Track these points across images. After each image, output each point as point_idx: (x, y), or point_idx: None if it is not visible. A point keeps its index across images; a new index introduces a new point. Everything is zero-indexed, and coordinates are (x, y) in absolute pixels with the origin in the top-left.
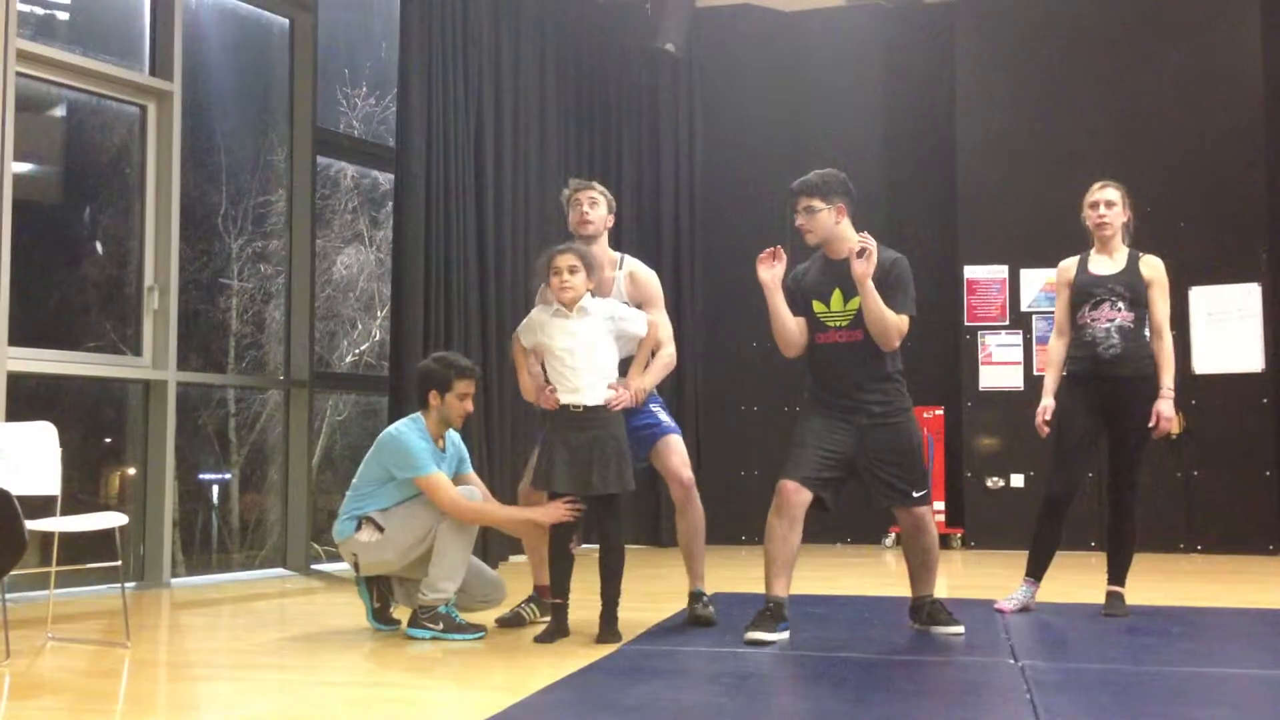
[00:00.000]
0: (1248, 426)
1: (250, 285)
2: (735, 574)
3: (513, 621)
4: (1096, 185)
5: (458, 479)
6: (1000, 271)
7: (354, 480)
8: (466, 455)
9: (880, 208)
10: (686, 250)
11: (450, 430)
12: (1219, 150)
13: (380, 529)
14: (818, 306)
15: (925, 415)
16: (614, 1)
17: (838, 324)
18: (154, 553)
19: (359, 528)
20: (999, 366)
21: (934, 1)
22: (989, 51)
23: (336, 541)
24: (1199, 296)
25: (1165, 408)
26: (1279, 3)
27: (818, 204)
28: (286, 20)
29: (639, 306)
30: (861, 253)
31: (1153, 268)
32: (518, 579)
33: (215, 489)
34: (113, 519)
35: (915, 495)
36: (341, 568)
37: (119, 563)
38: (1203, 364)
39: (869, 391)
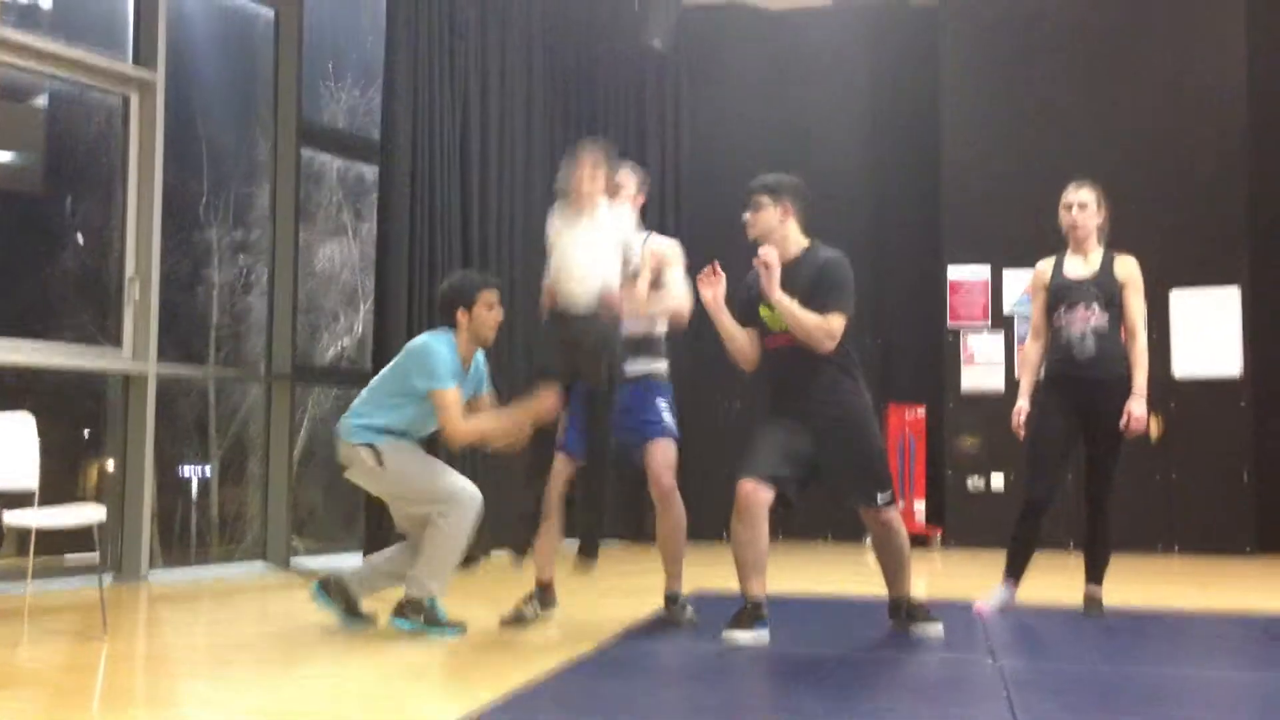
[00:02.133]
0: (1226, 429)
1: (231, 277)
2: (721, 571)
3: (515, 621)
4: (1072, 186)
5: (474, 404)
6: (983, 272)
7: (372, 382)
8: (486, 376)
9: (864, 208)
10: None
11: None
12: (1201, 153)
13: (380, 462)
14: (764, 311)
15: (907, 415)
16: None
17: (782, 326)
18: (132, 546)
19: (365, 446)
20: (981, 367)
21: (920, 3)
22: (973, 53)
23: (340, 437)
24: (1179, 299)
25: (1136, 407)
26: (1264, 6)
27: (764, 199)
28: (272, 11)
29: (659, 271)
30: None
31: (1127, 268)
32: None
33: (194, 482)
34: (91, 513)
35: (879, 499)
36: (324, 562)
37: (97, 556)
38: (1182, 368)
39: (822, 393)
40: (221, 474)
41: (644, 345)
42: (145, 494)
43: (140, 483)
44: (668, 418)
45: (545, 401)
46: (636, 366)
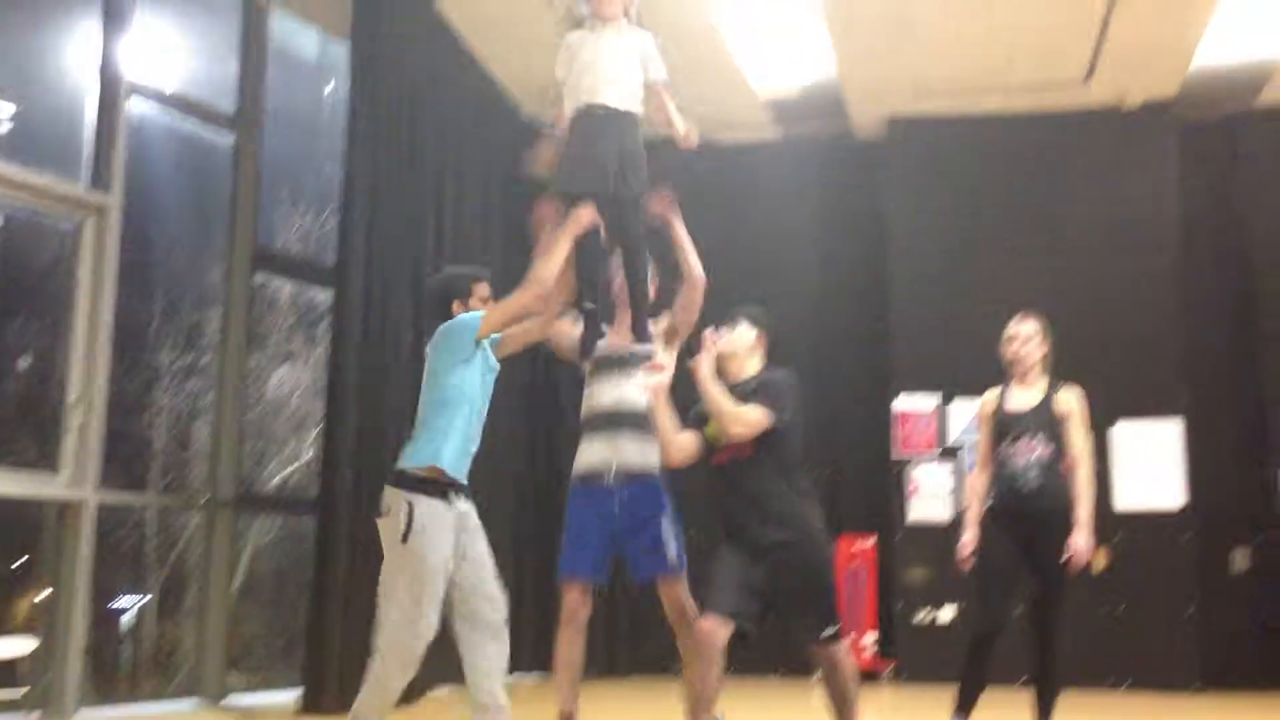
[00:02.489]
0: (1169, 564)
1: (178, 402)
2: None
3: None
4: (1015, 319)
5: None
6: (930, 403)
7: (418, 414)
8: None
9: (813, 338)
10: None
11: None
12: (1140, 288)
13: (406, 536)
14: (709, 429)
15: (856, 545)
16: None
17: (724, 441)
18: (61, 682)
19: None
20: (928, 498)
21: (866, 139)
22: (919, 187)
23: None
24: (1121, 432)
25: (1080, 541)
26: (1195, 145)
27: (745, 324)
28: (231, 137)
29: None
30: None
31: (1069, 400)
32: (533, 702)
33: (130, 613)
34: (18, 646)
35: (825, 634)
36: (258, 700)
37: (21, 692)
38: (1125, 500)
39: (770, 511)
40: (159, 605)
41: (648, 423)
42: (78, 626)
43: (73, 614)
44: (674, 548)
45: (581, 217)
46: (645, 457)
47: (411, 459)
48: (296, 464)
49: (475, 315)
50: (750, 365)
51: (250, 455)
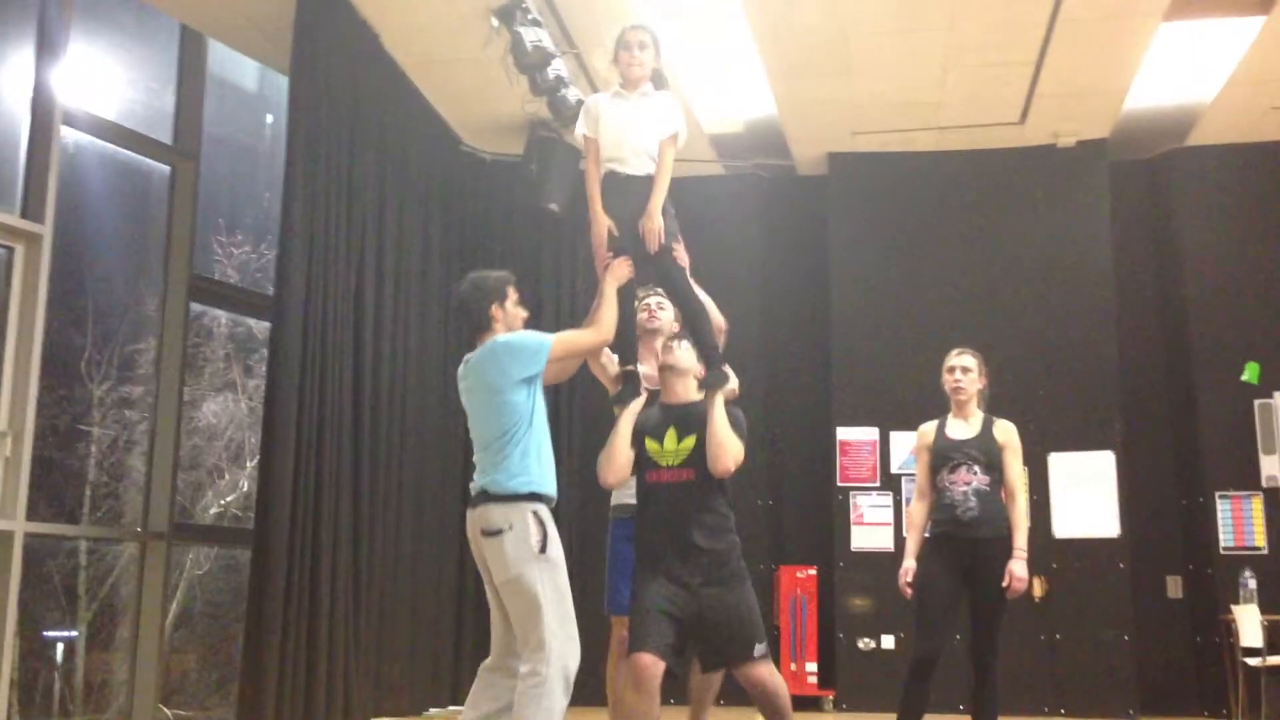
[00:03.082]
0: (1106, 591)
1: (112, 433)
2: None
3: None
4: (954, 351)
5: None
6: (871, 433)
7: (477, 454)
8: None
9: (756, 370)
10: (565, 403)
11: None
12: (1074, 322)
13: (544, 547)
14: (650, 444)
15: (799, 575)
16: (500, 160)
17: (669, 462)
18: None
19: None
20: (870, 527)
21: (808, 173)
22: (860, 222)
23: (485, 497)
24: (1057, 463)
25: (1018, 568)
26: (1127, 184)
27: (688, 343)
28: (168, 167)
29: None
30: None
31: (1005, 432)
32: None
33: (60, 646)
34: None
35: (756, 650)
36: None
37: None
38: (1062, 529)
39: (708, 533)
40: (90, 637)
41: None
42: (6, 658)
43: (0, 646)
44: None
45: (620, 269)
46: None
47: (511, 480)
48: (233, 495)
49: (537, 337)
50: (694, 387)
51: (186, 486)
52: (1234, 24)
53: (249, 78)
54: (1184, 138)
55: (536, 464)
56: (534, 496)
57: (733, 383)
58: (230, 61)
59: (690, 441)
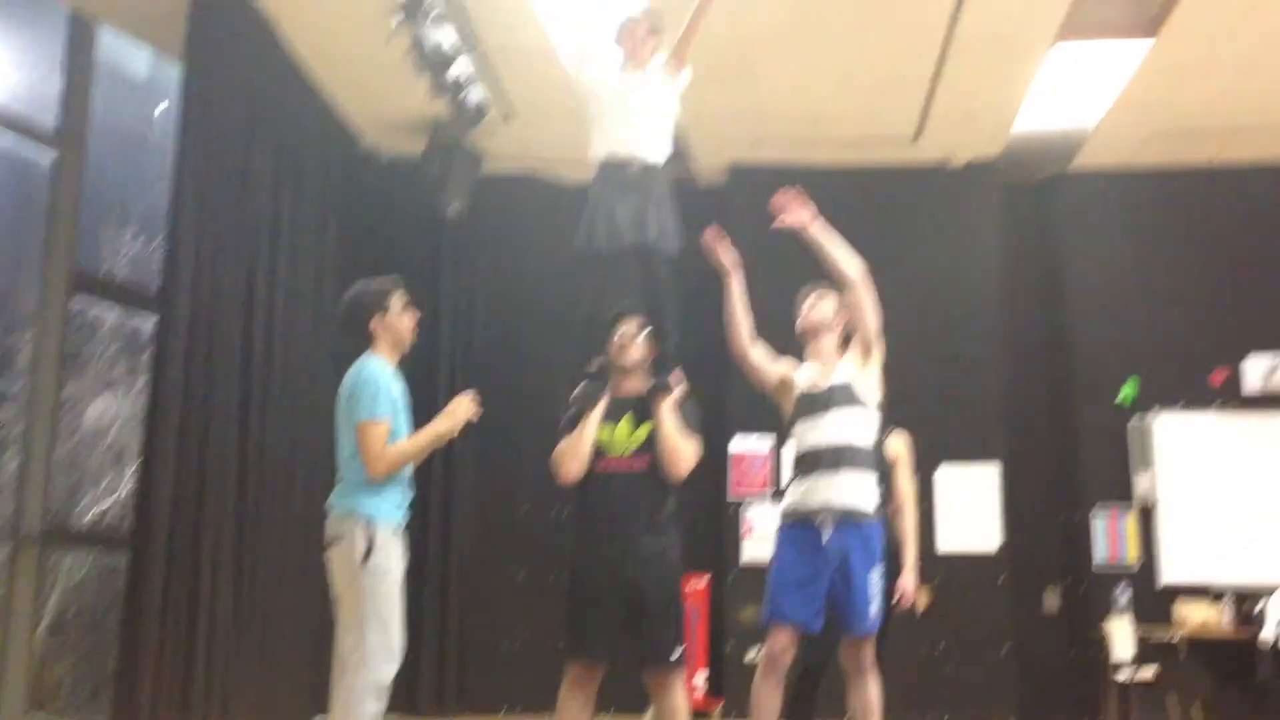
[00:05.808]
0: (986, 604)
1: None
2: None
3: None
4: None
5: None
6: (765, 444)
7: (340, 453)
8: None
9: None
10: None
11: None
12: (962, 338)
13: (367, 557)
14: (601, 434)
15: (690, 585)
16: (399, 160)
17: (620, 451)
18: None
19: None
20: (761, 539)
21: (708, 182)
22: (758, 234)
23: (331, 509)
24: (944, 476)
25: (909, 582)
26: (1016, 204)
27: (637, 330)
28: (52, 153)
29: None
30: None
31: (897, 445)
32: None
33: None
34: None
35: (674, 654)
36: None
37: None
38: (946, 542)
39: (643, 530)
40: None
41: (869, 461)
42: None
43: None
44: (878, 604)
45: (460, 408)
46: (862, 499)
47: (346, 499)
48: (113, 498)
49: (381, 386)
50: (643, 380)
51: (64, 489)
52: (1123, 46)
53: (140, 66)
54: (1070, 162)
55: (376, 487)
56: (366, 515)
57: (680, 389)
58: (121, 49)
59: (644, 432)
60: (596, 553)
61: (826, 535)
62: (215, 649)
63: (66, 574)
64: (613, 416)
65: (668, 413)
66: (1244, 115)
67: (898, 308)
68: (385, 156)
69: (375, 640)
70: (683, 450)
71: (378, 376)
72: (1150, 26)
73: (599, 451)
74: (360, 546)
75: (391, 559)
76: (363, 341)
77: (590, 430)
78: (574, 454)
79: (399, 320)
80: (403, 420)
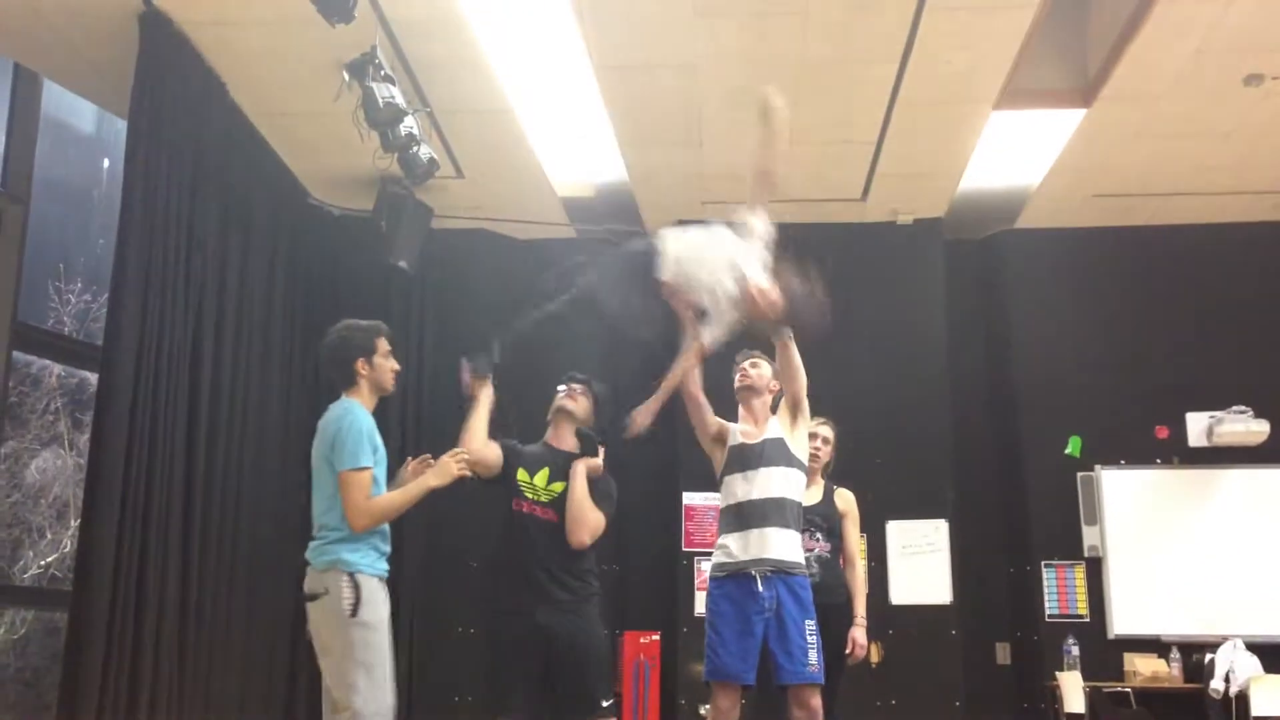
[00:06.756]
0: (939, 657)
1: None
2: None
3: None
4: (817, 420)
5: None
6: (717, 499)
7: (315, 505)
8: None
9: (600, 433)
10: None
11: None
12: (910, 394)
13: (355, 610)
14: (522, 474)
15: (642, 640)
16: (349, 216)
17: (536, 498)
18: None
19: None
20: None
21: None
22: None
23: (310, 564)
24: (895, 530)
25: (859, 635)
26: (961, 261)
27: (582, 390)
28: None
29: None
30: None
31: (845, 500)
32: None
33: None
34: None
35: (603, 704)
36: None
37: None
38: (898, 595)
39: (559, 574)
40: None
41: (793, 517)
42: None
43: None
44: (818, 653)
45: (452, 465)
46: (791, 552)
47: (328, 555)
48: (56, 554)
49: (362, 432)
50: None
51: (4, 544)
52: (1058, 115)
53: (86, 120)
54: (1014, 220)
55: (357, 538)
56: (351, 567)
57: (598, 458)
58: (67, 103)
59: (559, 487)
60: (512, 597)
61: (760, 587)
62: (158, 708)
63: (8, 629)
64: (536, 463)
65: (580, 477)
66: (1177, 180)
67: (847, 364)
68: (335, 211)
69: (366, 693)
70: (587, 519)
71: (361, 423)
72: (1085, 96)
73: (519, 490)
74: (348, 599)
75: (380, 610)
76: (342, 384)
77: (479, 425)
78: (469, 438)
79: (384, 365)
80: (382, 469)
